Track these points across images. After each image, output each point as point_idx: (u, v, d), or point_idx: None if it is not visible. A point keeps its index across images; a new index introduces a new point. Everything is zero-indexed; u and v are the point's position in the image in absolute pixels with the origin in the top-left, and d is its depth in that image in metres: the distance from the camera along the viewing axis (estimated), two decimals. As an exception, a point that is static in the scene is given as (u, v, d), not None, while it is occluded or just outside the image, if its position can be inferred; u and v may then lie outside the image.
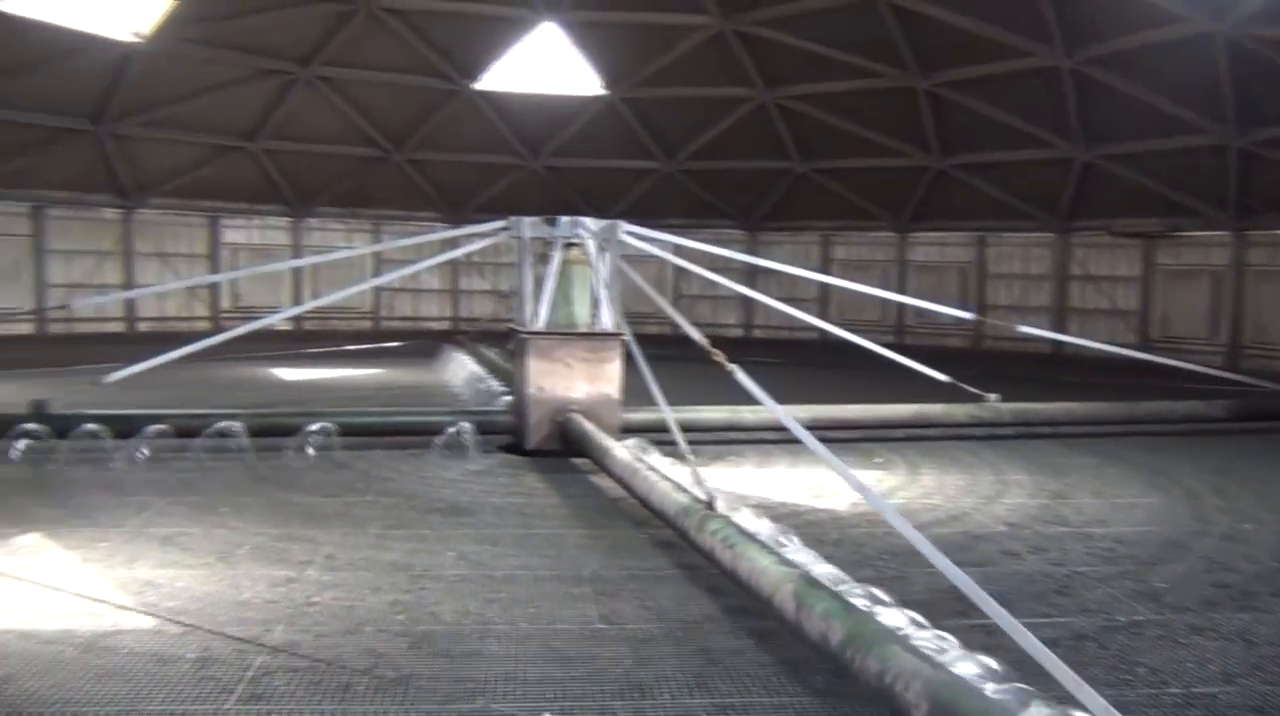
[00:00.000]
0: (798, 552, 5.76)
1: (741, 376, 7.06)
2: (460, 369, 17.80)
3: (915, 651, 4.06)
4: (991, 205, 24.94)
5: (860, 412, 12.58)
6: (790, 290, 24.57)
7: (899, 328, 26.76)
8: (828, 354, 21.37)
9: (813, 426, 11.63)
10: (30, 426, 10.12)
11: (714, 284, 15.88)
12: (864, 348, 12.11)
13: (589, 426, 10.28)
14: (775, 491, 9.45)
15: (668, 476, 7.81)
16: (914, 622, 4.53)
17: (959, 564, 6.94)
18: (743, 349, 24.01)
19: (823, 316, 18.57)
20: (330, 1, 22.21)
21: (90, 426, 10.21)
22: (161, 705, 4.53)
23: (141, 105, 22.88)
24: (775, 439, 11.69)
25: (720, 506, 6.70)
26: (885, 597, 4.86)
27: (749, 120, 25.76)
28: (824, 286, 25.95)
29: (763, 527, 6.32)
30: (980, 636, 4.85)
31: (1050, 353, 23.14)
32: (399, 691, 4.74)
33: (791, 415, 11.55)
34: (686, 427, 11.24)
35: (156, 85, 22.53)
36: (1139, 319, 24.08)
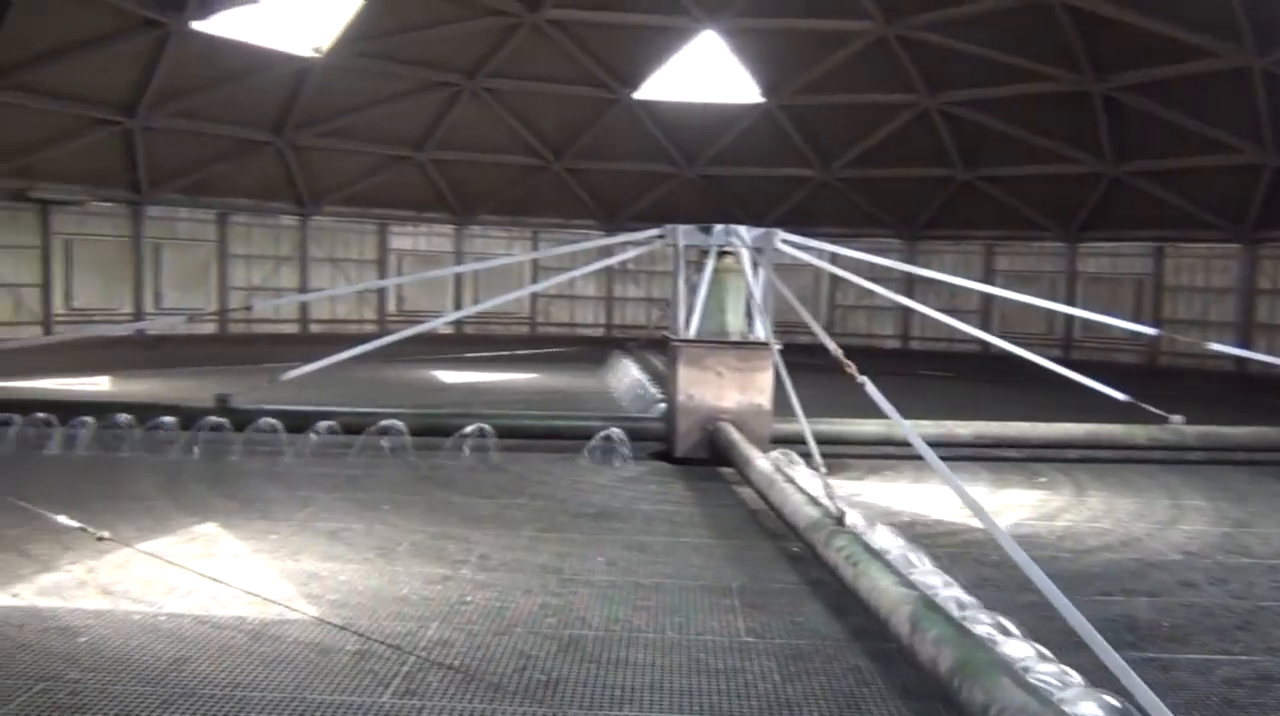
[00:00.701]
0: (927, 574, 5.59)
1: (871, 388, 6.92)
2: (625, 375, 18.01)
3: (1025, 685, 3.88)
4: (1171, 214, 23.56)
5: (1027, 431, 11.92)
6: (950, 301, 23.84)
7: (1066, 341, 25.60)
8: (991, 367, 20.65)
9: (976, 443, 11.34)
10: (215, 418, 10.96)
11: (870, 293, 15.55)
12: (1034, 362, 11.62)
13: (735, 436, 10.20)
14: (931, 508, 9.15)
15: (804, 489, 7.68)
16: (1039, 656, 4.31)
17: (1130, 593, 6.62)
18: (902, 361, 23.49)
19: (984, 328, 17.90)
20: (496, 15, 22.81)
21: (267, 420, 10.94)
22: (322, 694, 4.69)
23: (318, 117, 24.00)
24: (938, 455, 11.34)
25: (855, 521, 6.59)
26: (1012, 627, 4.65)
27: (910, 126, 25.12)
28: (986, 297, 25.09)
29: (894, 546, 6.17)
30: (1154, 672, 4.56)
31: (1235, 372, 21.69)
32: (547, 694, 4.78)
33: (953, 431, 11.30)
34: (841, 440, 11.14)
35: (332, 98, 23.60)
36: (1336, 336, 22.31)
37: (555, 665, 5.14)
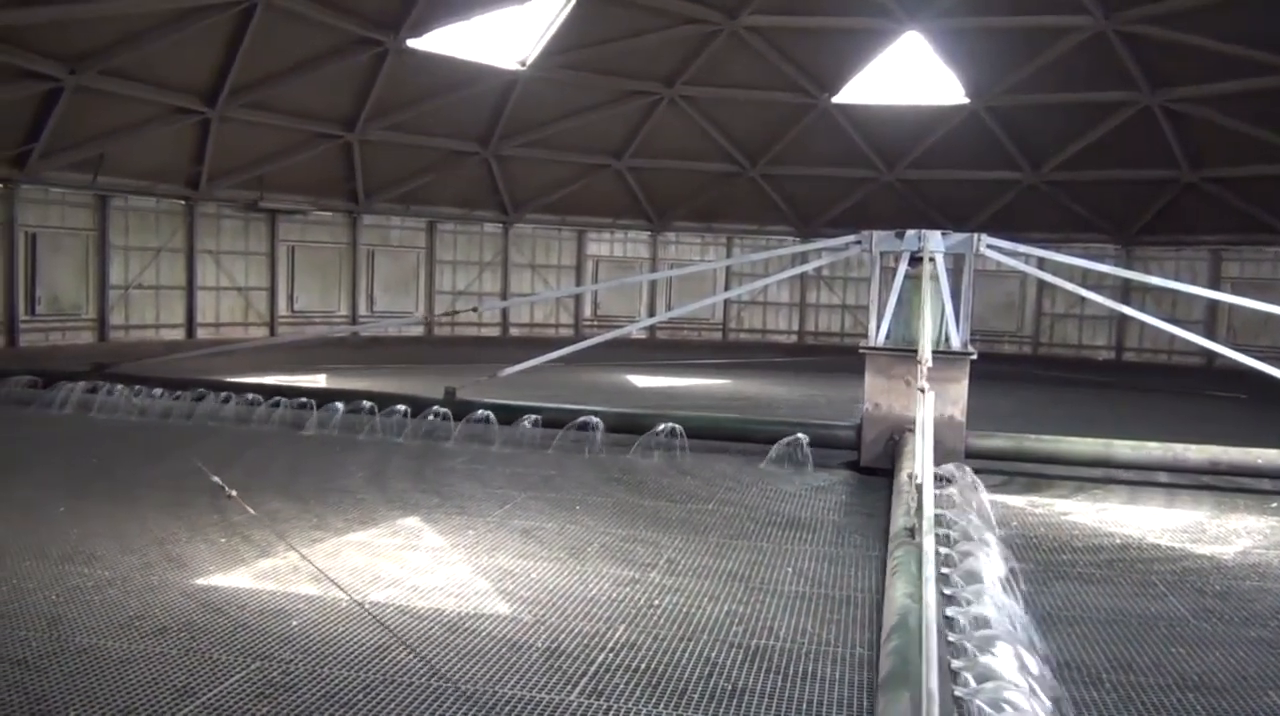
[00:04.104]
0: (1002, 596, 5.41)
1: (930, 398, 6.80)
2: None
3: (917, 705, 3.74)
4: None
5: (1275, 459, 10.33)
6: (1170, 310, 22.35)
7: (1305, 356, 23.54)
8: (1218, 382, 19.20)
9: (1210, 471, 10.44)
10: (439, 408, 12.15)
11: (1081, 302, 14.73)
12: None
13: (908, 446, 9.88)
14: (1145, 532, 8.55)
15: (917, 502, 7.38)
16: (1031, 691, 4.07)
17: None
18: (1121, 373, 22.12)
19: (1210, 341, 16.63)
20: (695, 23, 22.97)
21: (482, 412, 12.08)
22: (513, 689, 4.80)
23: (521, 128, 24.84)
24: (1168, 481, 10.61)
25: (967, 535, 6.40)
26: (1030, 662, 4.40)
27: (1129, 126, 23.70)
28: (1211, 307, 23.41)
29: (991, 564, 5.92)
30: None
31: None
32: (733, 704, 4.73)
33: (1182, 455, 10.42)
34: (1048, 458, 10.58)
35: (535, 109, 24.39)
36: None
37: (741, 675, 5.08)
